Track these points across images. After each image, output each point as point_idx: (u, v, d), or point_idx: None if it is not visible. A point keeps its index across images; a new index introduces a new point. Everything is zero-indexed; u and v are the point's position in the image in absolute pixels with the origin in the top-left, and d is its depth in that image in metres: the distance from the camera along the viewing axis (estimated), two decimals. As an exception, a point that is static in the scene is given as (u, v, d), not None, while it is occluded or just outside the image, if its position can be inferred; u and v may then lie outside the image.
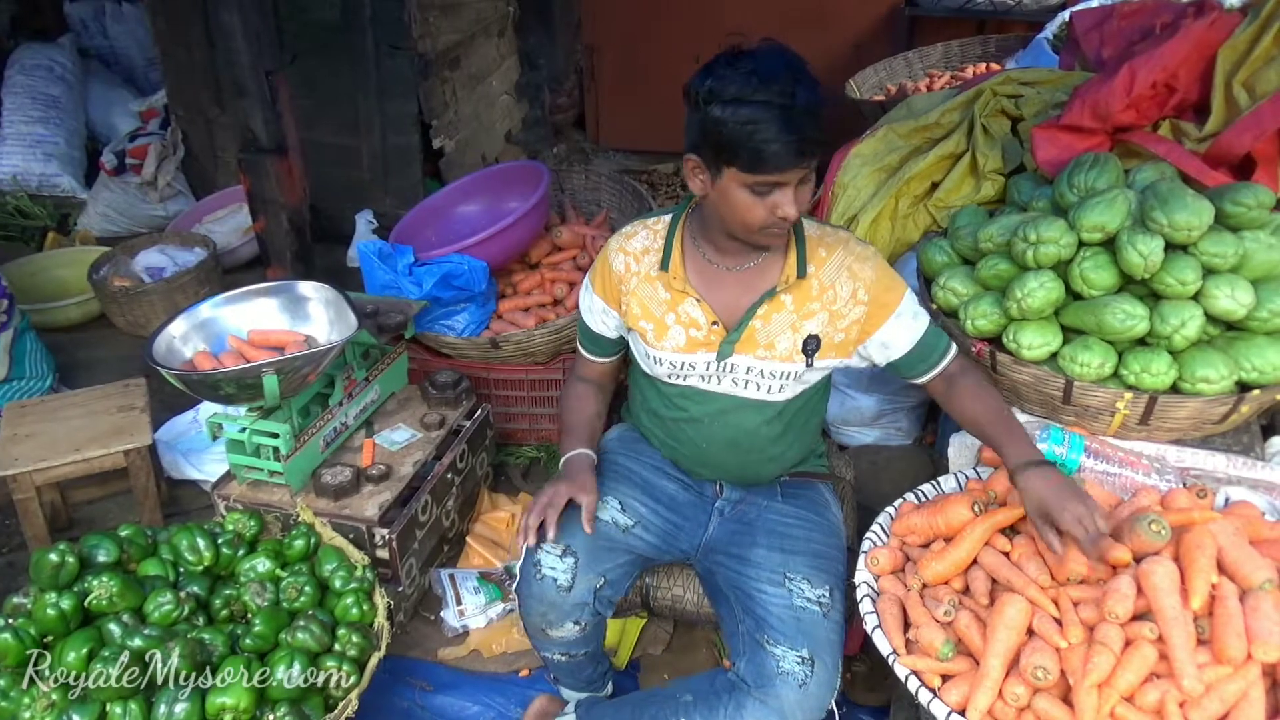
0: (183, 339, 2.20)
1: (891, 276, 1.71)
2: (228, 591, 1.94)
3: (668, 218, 1.77)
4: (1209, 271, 1.79)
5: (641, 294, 1.76)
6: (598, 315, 1.86)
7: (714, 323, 1.70)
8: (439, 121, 4.07)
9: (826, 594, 1.69)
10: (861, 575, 1.70)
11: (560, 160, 5.13)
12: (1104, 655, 1.39)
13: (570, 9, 5.18)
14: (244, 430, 2.13)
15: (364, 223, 3.90)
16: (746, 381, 1.74)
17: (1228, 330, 1.86)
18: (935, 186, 2.55)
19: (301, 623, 1.83)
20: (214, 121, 4.38)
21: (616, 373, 1.99)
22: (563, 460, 1.81)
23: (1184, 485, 1.76)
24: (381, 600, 1.98)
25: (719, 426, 1.80)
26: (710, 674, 1.73)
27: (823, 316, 1.69)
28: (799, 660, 1.59)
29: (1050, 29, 3.62)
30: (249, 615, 1.90)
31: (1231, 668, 1.38)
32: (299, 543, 2.04)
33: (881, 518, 1.82)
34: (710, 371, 1.74)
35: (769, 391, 1.74)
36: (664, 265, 1.73)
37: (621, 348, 1.92)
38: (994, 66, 4.03)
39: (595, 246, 3.03)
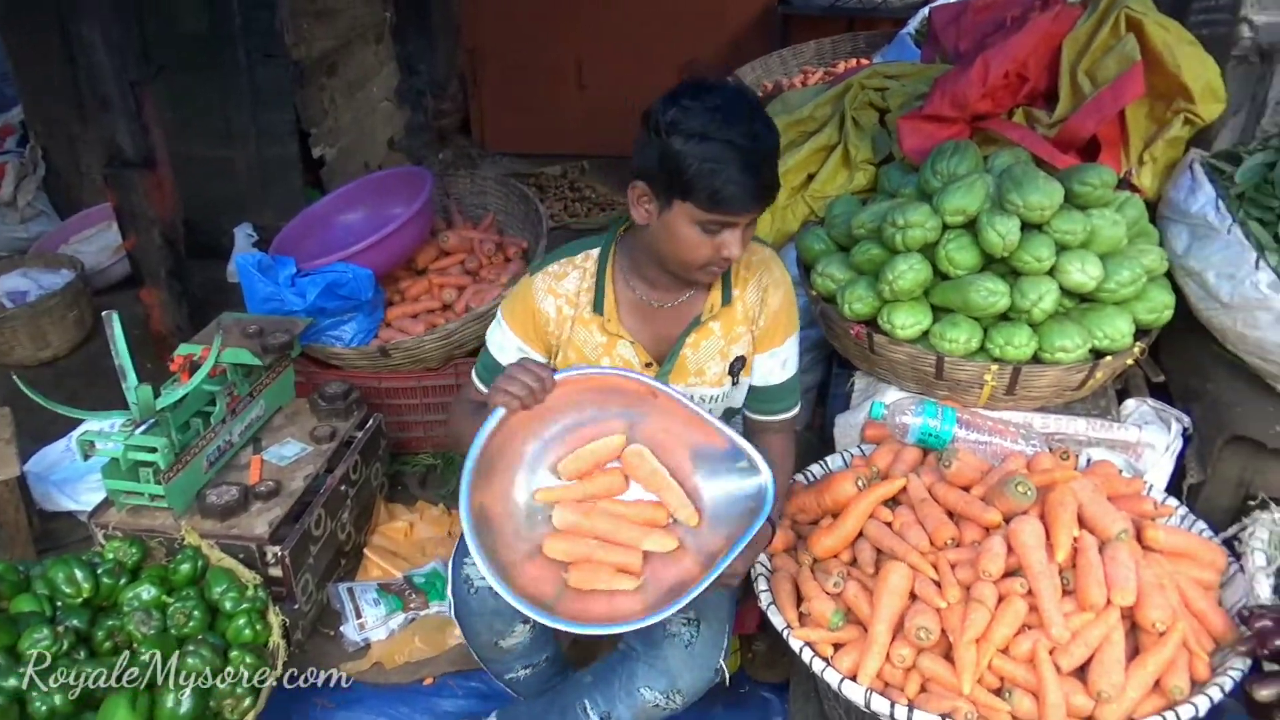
0: None
1: (789, 314, 1.74)
2: (110, 622, 1.86)
3: (595, 252, 1.70)
4: (1061, 248, 1.90)
5: (578, 339, 1.70)
6: (510, 353, 1.72)
7: (647, 364, 1.70)
8: (318, 130, 3.98)
9: None
10: (755, 555, 1.75)
11: (446, 166, 5.07)
12: (980, 612, 1.47)
13: (449, 13, 5.13)
14: (118, 445, 2.03)
15: (243, 236, 3.77)
16: None
17: (1081, 303, 1.98)
18: (811, 178, 2.63)
19: (191, 647, 1.77)
20: (77, 138, 4.17)
21: None
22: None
23: (1049, 449, 1.87)
24: (276, 619, 1.93)
25: None
26: (610, 655, 1.76)
27: (747, 337, 1.73)
28: (684, 621, 1.64)
29: (912, 25, 3.77)
30: (134, 645, 1.82)
31: (1094, 614, 1.47)
32: (185, 567, 1.97)
33: (772, 499, 1.88)
34: None
35: None
36: (597, 308, 1.67)
37: None
38: (863, 62, 4.17)
39: (483, 250, 3.01)
